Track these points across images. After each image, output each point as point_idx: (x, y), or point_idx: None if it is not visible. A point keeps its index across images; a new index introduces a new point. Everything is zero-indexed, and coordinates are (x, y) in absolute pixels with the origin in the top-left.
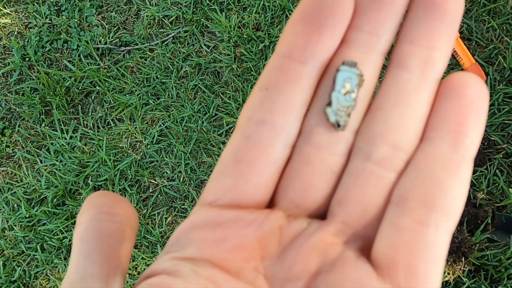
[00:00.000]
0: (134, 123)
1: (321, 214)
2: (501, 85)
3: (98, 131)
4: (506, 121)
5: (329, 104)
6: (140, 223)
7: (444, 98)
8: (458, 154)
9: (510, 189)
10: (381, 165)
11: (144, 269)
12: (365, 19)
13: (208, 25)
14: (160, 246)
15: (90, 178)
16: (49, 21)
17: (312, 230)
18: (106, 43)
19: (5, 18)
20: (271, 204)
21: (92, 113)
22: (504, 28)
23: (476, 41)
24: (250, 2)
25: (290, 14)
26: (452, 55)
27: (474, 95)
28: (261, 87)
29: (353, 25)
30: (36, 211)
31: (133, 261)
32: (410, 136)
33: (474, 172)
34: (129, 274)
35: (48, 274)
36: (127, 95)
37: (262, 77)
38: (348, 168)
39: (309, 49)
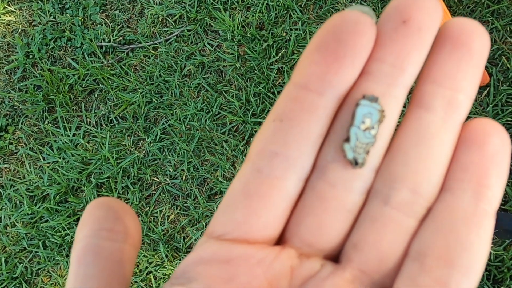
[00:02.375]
0: (137, 121)
1: (335, 255)
2: (504, 86)
3: (101, 129)
4: (509, 122)
5: (347, 140)
6: (142, 221)
7: (466, 147)
8: (479, 208)
9: None
10: (400, 210)
11: (146, 266)
12: (388, 50)
13: (212, 24)
14: (162, 244)
15: (92, 176)
16: (53, 19)
17: (326, 274)
18: (109, 41)
19: (9, 16)
20: (281, 239)
21: (95, 111)
22: (508, 29)
23: None
24: (254, 1)
25: (293, 13)
26: None
27: (497, 145)
28: (275, 117)
29: (375, 56)
30: (38, 208)
31: None
32: (431, 181)
33: None
34: None
35: (50, 271)
36: (130, 93)
37: (276, 107)
38: (366, 210)
39: (327, 80)
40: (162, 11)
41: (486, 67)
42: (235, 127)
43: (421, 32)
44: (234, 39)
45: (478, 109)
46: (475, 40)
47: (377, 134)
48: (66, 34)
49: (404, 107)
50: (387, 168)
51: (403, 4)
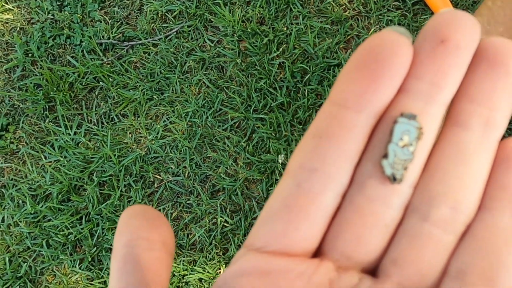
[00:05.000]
0: (138, 119)
1: (372, 270)
2: None
3: (102, 127)
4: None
5: (385, 156)
6: None
7: (503, 166)
8: None
9: None
10: (439, 227)
11: None
12: (427, 68)
13: (212, 19)
14: None
15: (94, 174)
16: (52, 17)
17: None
18: (109, 38)
19: (8, 14)
20: (318, 252)
21: (96, 109)
22: None
23: None
24: None
25: (294, 7)
26: None
27: None
28: (314, 135)
29: (413, 74)
30: (41, 207)
31: None
32: (470, 198)
33: None
34: None
35: (54, 270)
36: (131, 90)
37: (314, 124)
38: (404, 227)
39: (365, 99)
40: (161, 7)
41: None
42: (237, 123)
43: (459, 50)
44: (235, 35)
45: None
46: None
47: (415, 151)
48: (65, 31)
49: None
50: (425, 185)
51: (441, 24)
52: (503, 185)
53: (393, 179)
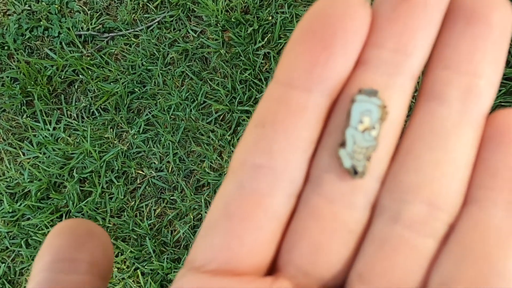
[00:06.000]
0: (120, 113)
1: (338, 285)
2: None
3: (82, 122)
4: (503, 103)
5: (343, 144)
6: (128, 215)
7: (493, 146)
8: None
9: None
10: (414, 229)
11: (133, 263)
12: (388, 34)
13: (195, 9)
14: (149, 239)
15: (75, 170)
16: (28, 8)
17: None
18: (88, 29)
19: None
20: (273, 268)
21: (76, 103)
22: None
23: None
24: None
25: None
26: None
27: None
28: (256, 123)
29: (371, 42)
30: (19, 205)
31: (121, 254)
32: (451, 191)
33: None
34: (118, 268)
35: None
36: (111, 83)
37: (257, 111)
38: (372, 230)
39: (315, 74)
40: None
41: None
42: (221, 116)
43: (426, 7)
44: (218, 24)
45: None
46: (495, 12)
47: (379, 136)
48: (42, 23)
49: (413, 100)
50: (395, 178)
51: None
52: (493, 170)
53: (354, 172)
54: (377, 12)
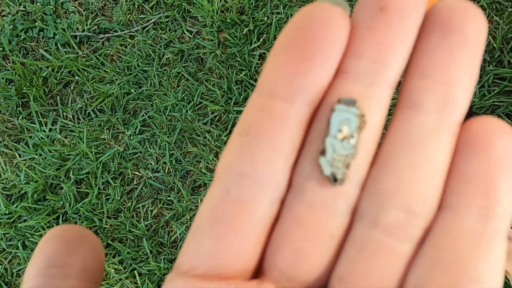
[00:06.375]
0: (116, 114)
1: None
2: (491, 66)
3: (78, 123)
4: (496, 103)
5: (323, 152)
6: (124, 216)
7: (467, 152)
8: (489, 229)
9: None
10: (391, 234)
11: (130, 263)
12: (366, 44)
13: (190, 9)
14: (146, 240)
15: (71, 172)
16: (23, 9)
17: None
18: (84, 30)
19: None
20: (259, 271)
21: (72, 104)
22: (494, 7)
23: None
24: None
25: None
26: None
27: (504, 148)
28: (240, 131)
29: (350, 52)
30: (16, 207)
31: (118, 255)
32: (427, 196)
33: None
34: (115, 269)
35: None
36: (107, 84)
37: (241, 120)
38: (352, 235)
39: (296, 84)
40: None
41: None
42: (217, 117)
43: (403, 18)
44: (214, 25)
45: None
46: (469, 23)
47: (358, 144)
48: (37, 24)
49: (392, 108)
50: (374, 183)
51: None
52: (467, 177)
53: (334, 179)
54: (356, 23)
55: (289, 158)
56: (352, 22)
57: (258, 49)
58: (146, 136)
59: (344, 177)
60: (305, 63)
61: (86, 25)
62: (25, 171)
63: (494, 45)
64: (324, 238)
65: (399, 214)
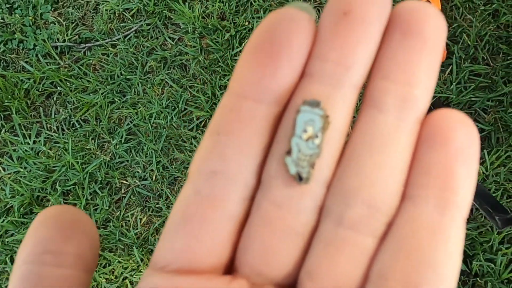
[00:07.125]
0: (101, 123)
1: (290, 284)
2: (466, 63)
3: (63, 134)
4: (472, 99)
5: (289, 152)
6: (114, 226)
7: (427, 145)
8: (446, 218)
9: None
10: (355, 229)
11: (121, 272)
12: (330, 47)
13: (171, 16)
14: (136, 248)
15: (58, 183)
16: (1, 20)
17: None
18: (64, 40)
19: None
20: (232, 268)
21: (55, 115)
22: (467, 6)
23: None
24: None
25: (254, 1)
26: None
27: (462, 139)
28: (212, 131)
29: (316, 55)
30: (2, 222)
31: (109, 265)
32: (389, 192)
33: None
34: (106, 278)
35: None
36: (91, 94)
37: (213, 120)
38: (319, 232)
39: (263, 85)
40: (118, 5)
41: (447, 45)
42: (202, 123)
43: (365, 23)
44: (196, 31)
45: (443, 87)
46: (428, 24)
47: (322, 143)
48: (16, 35)
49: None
50: (338, 182)
51: None
52: (426, 168)
53: (299, 178)
54: (321, 27)
55: (258, 156)
56: (318, 26)
57: (240, 54)
58: (132, 144)
59: (309, 176)
60: (271, 64)
61: (67, 35)
62: (10, 184)
63: (469, 42)
64: (291, 235)
65: (363, 210)
